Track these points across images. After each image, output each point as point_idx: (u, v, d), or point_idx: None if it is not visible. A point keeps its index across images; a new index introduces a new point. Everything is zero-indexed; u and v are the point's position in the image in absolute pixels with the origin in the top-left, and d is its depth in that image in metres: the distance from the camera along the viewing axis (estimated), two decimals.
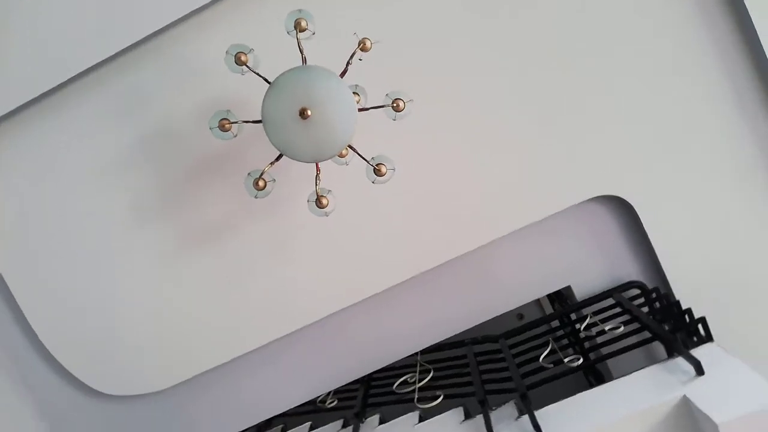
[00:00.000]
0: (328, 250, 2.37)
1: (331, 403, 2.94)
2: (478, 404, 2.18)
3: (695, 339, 2.12)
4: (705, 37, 2.17)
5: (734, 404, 1.65)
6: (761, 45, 2.10)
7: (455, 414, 2.29)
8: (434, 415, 2.36)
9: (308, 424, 2.87)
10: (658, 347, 2.26)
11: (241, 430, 2.95)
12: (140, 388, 2.55)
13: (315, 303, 2.45)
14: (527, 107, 2.24)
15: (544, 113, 2.25)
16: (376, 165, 1.89)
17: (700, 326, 2.10)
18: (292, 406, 2.81)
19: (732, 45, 2.17)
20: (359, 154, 1.89)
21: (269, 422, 3.05)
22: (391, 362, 2.72)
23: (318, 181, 1.89)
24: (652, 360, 2.14)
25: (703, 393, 1.75)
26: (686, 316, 2.18)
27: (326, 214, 1.90)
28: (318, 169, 1.90)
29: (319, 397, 3.04)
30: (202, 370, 2.52)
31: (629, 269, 2.52)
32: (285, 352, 2.59)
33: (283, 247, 2.36)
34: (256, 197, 1.88)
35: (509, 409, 2.14)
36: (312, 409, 3.01)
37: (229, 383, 2.61)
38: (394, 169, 1.94)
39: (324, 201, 1.87)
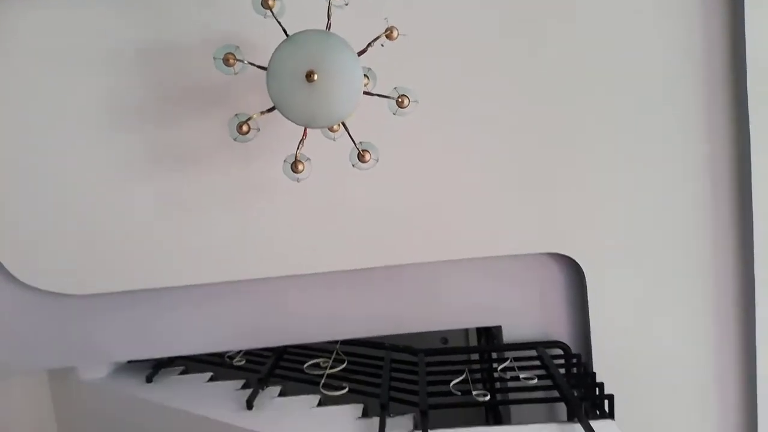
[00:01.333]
0: (289, 215, 2.35)
1: (239, 362, 2.92)
2: (379, 407, 2.20)
3: (598, 412, 2.19)
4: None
5: None
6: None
7: (354, 409, 2.32)
8: (335, 405, 2.38)
9: (209, 374, 2.85)
10: (562, 409, 2.33)
11: (141, 359, 2.92)
12: (63, 287, 2.48)
13: (258, 262, 2.42)
14: (518, 152, 2.29)
15: (528, 164, 2.30)
16: (362, 150, 1.89)
17: (606, 402, 2.17)
18: (200, 353, 2.78)
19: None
20: (349, 134, 1.88)
21: (171, 360, 3.01)
22: (310, 342, 2.73)
23: (300, 146, 1.87)
24: (553, 419, 2.21)
25: None
26: (597, 389, 2.25)
27: (298, 180, 1.89)
28: (305, 134, 1.88)
29: (228, 352, 3.02)
30: (127, 288, 2.47)
31: (560, 329, 2.59)
32: (211, 299, 2.55)
33: (247, 197, 2.32)
34: (235, 139, 1.86)
35: (406, 420, 2.17)
36: (218, 362, 2.99)
37: (148, 310, 2.56)
38: (377, 160, 1.94)
39: (300, 166, 1.86)
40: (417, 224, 2.37)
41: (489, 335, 3.14)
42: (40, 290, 2.49)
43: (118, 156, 2.28)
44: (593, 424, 1.97)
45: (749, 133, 2.20)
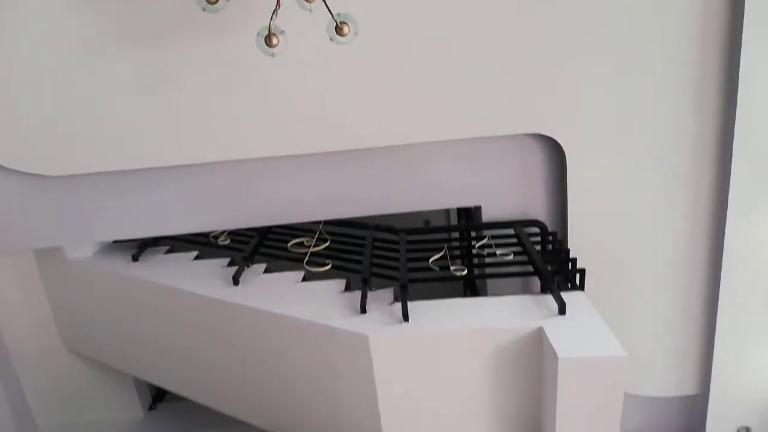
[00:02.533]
0: (265, 93, 2.28)
1: (224, 242, 2.97)
2: (361, 282, 2.28)
3: (569, 285, 2.29)
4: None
5: (579, 347, 1.83)
6: None
7: (337, 284, 2.40)
8: (318, 280, 2.46)
9: (195, 253, 2.91)
10: (536, 283, 2.43)
11: (126, 239, 2.95)
12: (43, 168, 2.44)
13: (240, 143, 2.38)
14: (502, 33, 2.20)
15: (512, 45, 2.22)
16: (340, 23, 1.79)
17: (578, 275, 2.27)
18: (185, 233, 2.81)
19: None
20: (326, 5, 1.77)
21: (156, 240, 3.05)
22: (293, 222, 2.77)
23: (274, 17, 1.76)
24: (527, 292, 2.31)
25: (557, 330, 1.92)
26: (569, 264, 2.34)
27: (272, 55, 1.80)
28: (278, 4, 1.77)
29: (213, 232, 3.06)
30: (107, 168, 2.44)
31: (539, 209, 2.64)
32: (194, 180, 2.54)
33: (220, 73, 2.23)
34: (204, 9, 1.74)
35: (387, 294, 2.26)
36: (203, 242, 3.04)
37: (131, 191, 2.55)
38: (356, 33, 1.84)
39: (274, 40, 1.76)
40: (400, 105, 2.32)
41: (469, 216, 3.21)
42: (22, 173, 2.45)
43: (90, 34, 2.15)
44: (564, 295, 2.08)
45: (743, 18, 2.12)
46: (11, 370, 3.42)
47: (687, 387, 2.81)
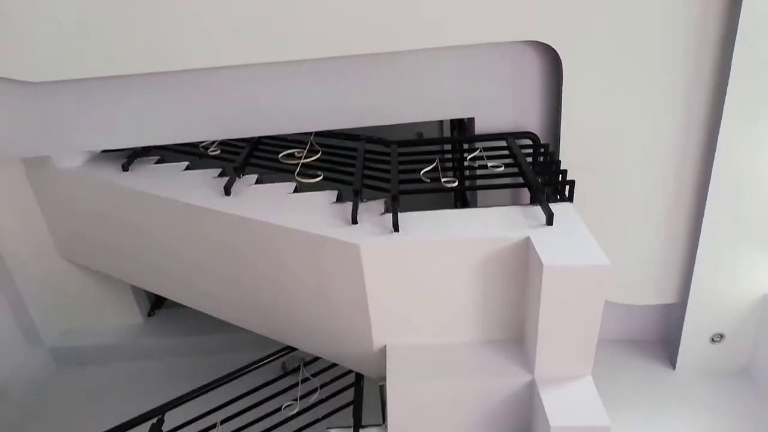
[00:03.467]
0: None
1: (214, 152, 2.95)
2: (353, 193, 2.30)
3: (558, 197, 2.32)
4: None
5: (565, 255, 1.88)
6: None
7: (329, 195, 2.41)
8: (310, 192, 2.47)
9: (185, 163, 2.89)
10: (526, 195, 2.46)
11: (115, 148, 2.92)
12: (27, 74, 2.36)
13: (229, 47, 2.30)
14: None
15: None
16: None
17: (567, 187, 2.29)
18: (173, 143, 2.78)
19: None
20: None
21: (146, 150, 3.02)
22: (283, 133, 2.74)
23: None
24: (516, 204, 2.33)
25: (544, 240, 1.97)
26: (560, 176, 2.35)
27: None
28: None
29: (203, 142, 3.03)
30: (92, 74, 2.36)
31: (532, 120, 2.62)
32: (184, 87, 2.47)
33: None
34: None
35: (378, 205, 2.28)
36: (193, 152, 3.02)
37: (118, 99, 2.49)
38: None
39: None
40: (392, 10, 2.23)
41: (462, 128, 3.18)
42: (4, 79, 2.37)
43: None
44: (553, 206, 2.10)
45: None
46: (10, 280, 3.49)
47: (666, 296, 2.92)
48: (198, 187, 2.60)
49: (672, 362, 3.01)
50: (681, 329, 2.89)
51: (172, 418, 2.37)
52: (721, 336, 2.87)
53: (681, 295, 2.89)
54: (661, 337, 3.18)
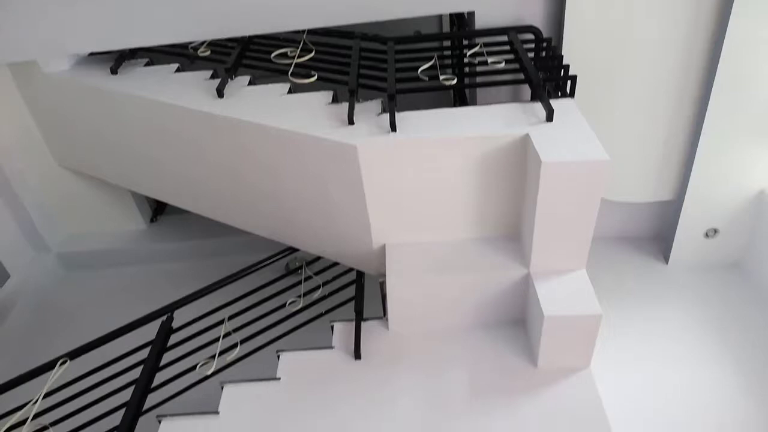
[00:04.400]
0: None
1: (204, 53, 2.85)
2: (348, 93, 2.24)
3: (560, 93, 2.27)
4: None
5: (563, 151, 1.87)
6: None
7: (324, 96, 2.36)
8: (304, 92, 2.41)
9: (175, 65, 2.80)
10: (527, 92, 2.40)
11: (100, 50, 2.82)
12: None
13: None
14: None
15: None
16: None
17: (569, 82, 2.23)
18: (163, 43, 2.67)
19: None
20: None
21: (134, 53, 2.92)
22: (275, 31, 2.62)
23: None
24: (517, 101, 2.28)
25: (543, 137, 1.94)
26: (561, 71, 2.28)
27: None
28: None
29: (192, 43, 2.92)
30: None
31: (535, 13, 2.50)
32: None
33: None
34: None
35: (375, 105, 2.24)
36: (183, 53, 2.91)
37: None
38: None
39: None
40: None
41: (461, 24, 3.04)
42: None
43: None
44: (554, 102, 2.06)
45: None
46: (10, 189, 3.50)
47: (663, 193, 2.94)
48: (189, 90, 2.54)
49: (665, 257, 3.08)
50: (676, 225, 2.93)
51: (180, 316, 2.47)
52: (716, 231, 2.92)
53: (678, 192, 2.91)
54: (655, 233, 3.24)
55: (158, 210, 4.06)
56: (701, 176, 2.75)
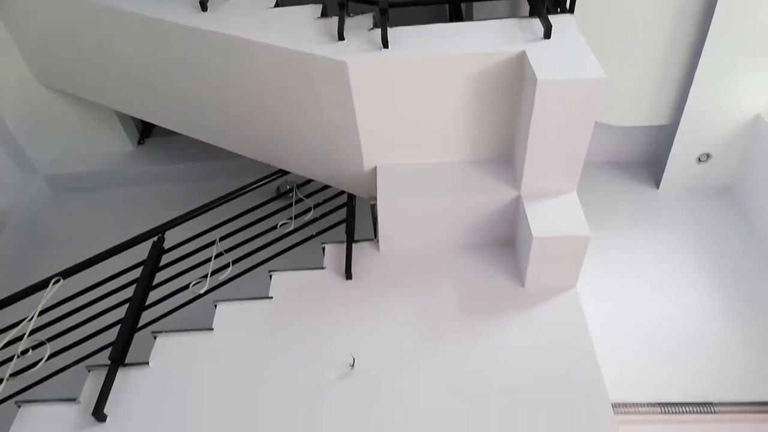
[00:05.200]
0: None
1: None
2: (338, 7, 2.14)
3: (559, 9, 2.17)
4: None
5: (560, 70, 1.81)
6: None
7: (313, 9, 2.25)
8: (292, 6, 2.30)
9: None
10: (525, 7, 2.30)
11: None
12: None
13: None
14: None
15: None
16: None
17: None
18: None
19: None
20: None
21: None
22: None
23: None
24: (515, 16, 2.19)
25: (540, 53, 1.88)
26: None
27: None
28: None
29: None
30: None
31: None
32: None
33: None
34: None
35: (366, 20, 2.15)
36: None
37: None
38: None
39: None
40: None
41: None
42: None
43: None
44: (552, 18, 1.98)
45: None
46: None
47: (658, 117, 2.90)
48: (172, 2, 2.41)
49: (656, 182, 3.09)
50: (669, 150, 2.91)
51: (171, 238, 2.47)
52: (708, 156, 2.91)
53: (673, 116, 2.87)
54: (647, 158, 3.22)
55: (145, 132, 3.98)
56: (698, 99, 2.70)
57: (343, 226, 2.51)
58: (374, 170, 2.31)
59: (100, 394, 1.97)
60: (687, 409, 2.20)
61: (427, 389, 1.94)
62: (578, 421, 1.82)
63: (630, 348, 2.39)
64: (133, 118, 3.84)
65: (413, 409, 1.89)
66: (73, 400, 2.03)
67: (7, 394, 2.06)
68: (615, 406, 1.92)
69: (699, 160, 2.92)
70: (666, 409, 2.20)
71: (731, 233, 2.82)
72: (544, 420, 1.83)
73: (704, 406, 2.20)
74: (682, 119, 2.77)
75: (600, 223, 2.74)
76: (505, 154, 2.25)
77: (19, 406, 2.03)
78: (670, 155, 2.92)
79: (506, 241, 2.34)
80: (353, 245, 2.40)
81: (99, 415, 1.93)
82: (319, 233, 2.58)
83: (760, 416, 2.20)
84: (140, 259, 2.38)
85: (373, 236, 2.45)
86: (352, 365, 2.00)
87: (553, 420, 1.83)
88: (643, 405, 2.21)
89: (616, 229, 2.86)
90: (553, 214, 2.06)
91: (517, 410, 1.86)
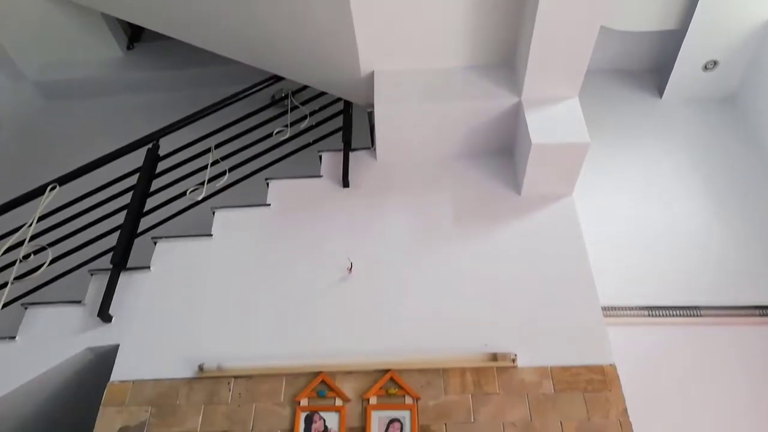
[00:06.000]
0: None
1: None
2: None
3: None
4: None
5: None
6: None
7: None
8: None
9: None
10: None
11: None
12: None
13: None
14: None
15: None
16: None
17: None
18: None
19: None
20: None
21: None
22: None
23: None
24: None
25: None
26: None
27: None
28: None
29: None
30: None
31: None
32: None
33: None
34: None
35: None
36: None
37: None
38: None
39: None
40: None
41: None
42: None
43: None
44: None
45: None
46: None
47: (667, 22, 2.78)
48: None
49: (660, 91, 3.02)
50: (675, 57, 2.82)
51: (166, 145, 2.43)
52: (715, 63, 2.83)
53: (682, 20, 2.75)
54: (651, 66, 3.13)
55: (134, 37, 3.82)
56: (708, 3, 2.58)
57: (339, 134, 2.48)
58: (371, 76, 2.24)
59: (104, 297, 2.03)
60: (674, 312, 2.28)
61: (422, 292, 1.99)
62: (569, 321, 1.89)
63: (622, 254, 2.43)
64: (120, 23, 3.68)
65: (408, 309, 1.96)
66: (78, 302, 2.09)
67: (12, 297, 2.12)
68: (604, 309, 1.98)
69: (705, 67, 2.84)
70: (653, 312, 2.28)
71: (731, 142, 2.79)
72: (536, 320, 1.90)
73: (691, 310, 2.28)
74: (691, 23, 2.66)
75: (600, 131, 2.70)
76: (506, 59, 2.18)
77: (26, 308, 2.09)
78: (677, 62, 2.83)
79: (505, 149, 2.32)
80: (350, 153, 2.38)
81: (104, 316, 1.99)
82: (315, 141, 2.54)
83: (744, 319, 2.28)
84: (136, 167, 2.37)
85: (371, 144, 2.42)
86: (350, 269, 2.04)
87: (545, 320, 1.89)
88: (631, 308, 2.28)
89: (616, 137, 2.83)
90: (553, 121, 2.03)
91: (510, 311, 1.92)
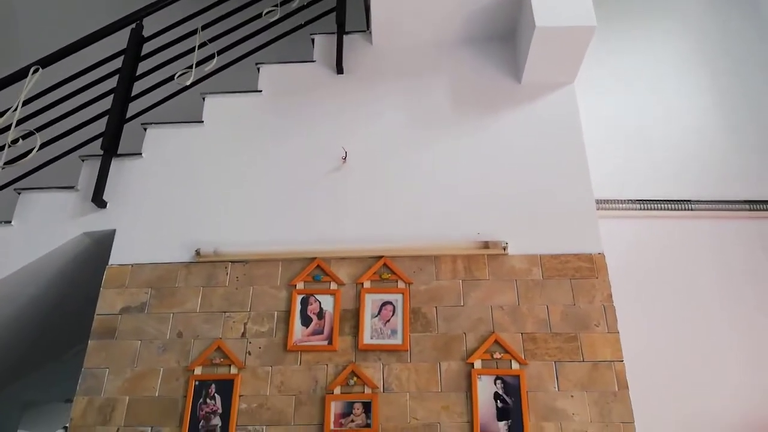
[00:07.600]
0: None
1: None
2: None
3: None
4: None
5: None
6: None
7: None
8: None
9: None
10: None
11: None
12: None
13: None
14: None
15: None
16: None
17: None
18: None
19: None
20: None
21: None
22: None
23: None
24: None
25: None
26: None
27: None
28: None
29: None
30: None
31: None
32: None
33: None
34: None
35: None
36: None
37: None
38: None
39: None
40: None
41: None
42: None
43: None
44: None
45: None
46: None
47: None
48: None
49: None
50: None
51: (150, 27, 2.30)
52: None
53: None
54: None
55: None
56: None
57: (333, 16, 2.35)
58: None
59: (97, 183, 2.01)
60: (664, 206, 2.28)
61: (416, 180, 1.98)
62: (562, 211, 1.90)
63: (619, 146, 2.40)
64: None
65: (403, 197, 1.96)
66: (71, 188, 2.08)
67: (4, 182, 2.10)
68: (597, 202, 1.99)
69: None
70: (645, 205, 2.28)
71: (741, 36, 2.66)
72: (530, 209, 1.91)
73: (682, 203, 2.29)
74: None
75: (606, 14, 2.55)
76: None
77: (19, 193, 2.08)
78: None
79: (506, 35, 2.21)
80: (344, 37, 2.27)
81: (99, 201, 1.99)
82: (307, 23, 2.41)
83: (733, 213, 2.29)
84: (120, 49, 2.25)
85: (366, 27, 2.30)
86: (344, 159, 2.02)
87: (539, 210, 1.91)
88: (623, 201, 2.29)
89: (622, 21, 2.68)
90: (557, 2, 1.91)
91: (504, 201, 1.92)
